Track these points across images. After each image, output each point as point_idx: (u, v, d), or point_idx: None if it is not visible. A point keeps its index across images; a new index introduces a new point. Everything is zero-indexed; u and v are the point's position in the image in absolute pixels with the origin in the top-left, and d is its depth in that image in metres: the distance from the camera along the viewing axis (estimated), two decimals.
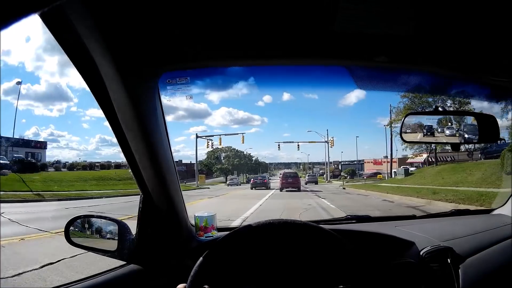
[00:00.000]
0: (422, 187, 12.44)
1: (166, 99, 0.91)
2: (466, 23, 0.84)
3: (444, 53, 0.95)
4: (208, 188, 21.58)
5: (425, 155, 21.91)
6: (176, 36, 0.83)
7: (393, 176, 22.51)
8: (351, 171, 31.49)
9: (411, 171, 20.73)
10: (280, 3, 0.74)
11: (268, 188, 18.57)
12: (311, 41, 0.84)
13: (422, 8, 0.78)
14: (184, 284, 0.85)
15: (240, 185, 25.46)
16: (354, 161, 36.26)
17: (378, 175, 25.87)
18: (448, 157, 20.28)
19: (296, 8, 0.75)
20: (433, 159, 20.42)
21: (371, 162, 33.02)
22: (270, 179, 30.14)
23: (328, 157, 29.92)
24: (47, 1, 0.28)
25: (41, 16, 0.63)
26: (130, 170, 1.01)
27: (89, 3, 0.63)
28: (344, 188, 17.27)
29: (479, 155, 17.71)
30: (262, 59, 0.90)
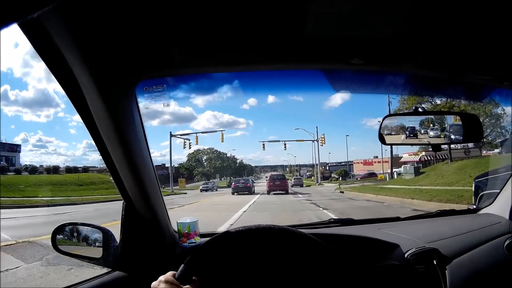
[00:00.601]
0: (457, 189, 9.76)
1: (144, 107, 0.92)
2: (444, 22, 0.84)
3: (422, 54, 0.95)
4: (185, 193, 19.60)
5: (422, 153, 21.30)
6: (152, 45, 0.83)
7: (394, 176, 21.11)
8: (343, 172, 29.80)
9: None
10: (254, 10, 0.74)
11: (251, 193, 16.64)
12: (285, 46, 0.84)
13: (396, 9, 0.78)
14: (174, 272, 0.86)
15: (216, 190, 23.04)
16: (341, 162, 35.46)
17: (378, 176, 24.30)
18: (442, 156, 19.20)
19: (269, 14, 0.76)
20: (428, 158, 19.89)
21: (361, 162, 32.22)
22: (255, 182, 28.45)
23: (318, 157, 28.85)
24: (24, 12, 0.29)
25: (20, 27, 0.64)
26: (111, 178, 1.02)
27: (66, 14, 0.63)
28: (342, 192, 15.18)
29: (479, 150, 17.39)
30: (240, 65, 0.90)
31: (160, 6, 0.72)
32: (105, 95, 0.82)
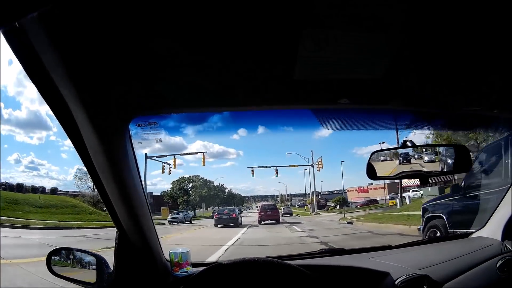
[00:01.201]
0: None
1: (137, 142, 0.94)
2: (429, 62, 0.86)
3: (408, 91, 0.97)
4: (164, 224, 17.79)
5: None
6: (146, 85, 0.86)
7: (407, 201, 18.49)
8: (341, 199, 27.33)
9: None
10: (244, 54, 0.77)
11: (238, 225, 14.17)
12: (276, 89, 0.87)
13: (381, 53, 0.81)
14: None
15: (190, 221, 19.60)
16: (334, 191, 33.57)
17: (390, 202, 21.25)
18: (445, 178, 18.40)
19: (259, 59, 0.78)
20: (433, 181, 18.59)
21: (355, 190, 30.52)
22: (244, 212, 26.98)
23: (314, 184, 26.44)
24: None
25: (20, 60, 0.66)
26: (105, 208, 1.04)
27: (62, 53, 0.66)
28: (351, 223, 12.72)
29: None
30: (230, 106, 0.93)
31: (154, 53, 0.74)
32: (100, 131, 0.84)
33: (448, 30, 0.75)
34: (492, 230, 1.49)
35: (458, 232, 3.71)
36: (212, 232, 12.51)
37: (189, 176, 30.84)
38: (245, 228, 12.99)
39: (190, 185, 30.63)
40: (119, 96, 0.85)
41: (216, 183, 35.09)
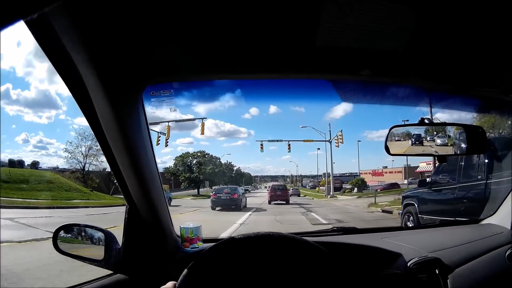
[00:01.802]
0: None
1: (151, 111, 0.91)
2: (451, 36, 0.84)
3: (429, 67, 0.95)
4: None
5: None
6: (160, 50, 0.83)
7: None
8: (359, 181, 23.62)
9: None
10: (263, 18, 0.74)
11: (240, 208, 12.26)
12: (295, 55, 0.84)
13: (405, 23, 0.78)
14: (174, 282, 0.85)
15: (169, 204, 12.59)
16: (346, 173, 31.45)
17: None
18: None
19: (279, 22, 0.75)
20: None
21: (369, 173, 28.50)
22: (251, 192, 26.48)
23: (332, 161, 22.65)
24: (31, 9, 0.28)
25: (29, 26, 0.64)
26: (116, 181, 1.02)
27: (75, 16, 0.63)
28: (390, 212, 9.66)
29: None
30: (247, 73, 0.90)
31: (169, 14, 0.72)
32: (112, 98, 0.82)
33: (471, 6, 0.73)
34: (502, 218, 1.49)
35: (424, 217, 4.89)
36: (198, 218, 9.85)
37: (194, 152, 28.30)
38: (248, 214, 10.37)
39: (194, 161, 27.58)
40: (132, 63, 0.83)
41: (223, 161, 32.84)
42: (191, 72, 0.89)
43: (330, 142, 21.12)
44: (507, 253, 1.22)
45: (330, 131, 21.40)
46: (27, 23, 0.62)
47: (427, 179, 5.59)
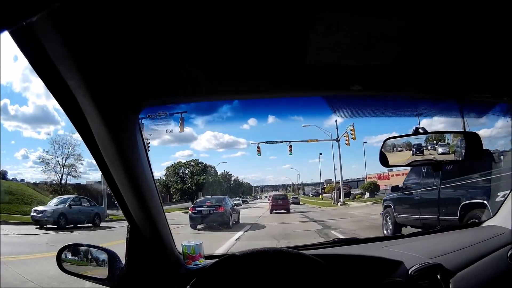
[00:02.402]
0: None
1: (148, 133, 0.93)
2: (440, 46, 0.85)
3: (420, 78, 0.96)
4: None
5: None
6: (156, 74, 0.85)
7: None
8: (372, 185, 20.58)
9: None
10: (254, 40, 0.76)
11: (231, 225, 9.32)
12: (286, 75, 0.86)
13: (393, 38, 0.80)
14: None
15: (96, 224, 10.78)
16: (348, 179, 27.26)
17: None
18: None
19: (269, 45, 0.77)
20: None
21: (374, 177, 25.71)
22: (250, 203, 24.87)
23: (340, 164, 20.43)
24: (14, 18, 0.29)
25: (23, 52, 0.65)
26: (116, 202, 1.03)
27: (68, 41, 0.65)
28: None
29: None
30: (242, 93, 0.92)
31: (164, 38, 0.73)
32: (109, 122, 0.84)
33: (459, 17, 0.74)
34: (503, 219, 1.49)
35: (399, 216, 6.03)
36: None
37: (186, 161, 26.05)
38: (241, 232, 7.99)
39: (187, 171, 25.06)
40: (128, 87, 0.84)
41: (220, 170, 31.25)
42: (187, 94, 0.90)
43: (338, 141, 17.98)
44: (510, 253, 1.22)
45: (337, 129, 18.37)
46: (22, 50, 0.63)
47: (399, 185, 6.70)
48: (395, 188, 6.90)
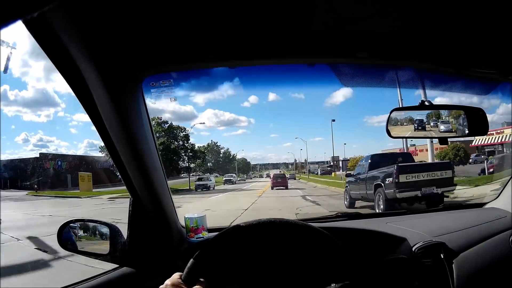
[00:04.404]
0: None
1: (151, 102, 0.92)
2: (450, 17, 0.84)
3: (428, 49, 0.95)
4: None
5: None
6: (157, 40, 0.83)
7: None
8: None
9: None
10: (260, 2, 0.74)
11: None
12: (292, 39, 0.84)
13: (403, 3, 0.78)
14: (180, 273, 0.85)
15: None
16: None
17: None
18: None
19: (276, 6, 0.76)
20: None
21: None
22: (246, 181, 22.35)
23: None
24: (31, 8, 0.28)
25: (25, 23, 0.64)
26: (119, 174, 1.02)
27: (70, 10, 0.63)
28: None
29: None
30: (245, 59, 0.90)
31: (166, 2, 0.72)
32: (112, 91, 0.82)
33: None
34: (505, 201, 1.49)
35: (352, 193, 8.56)
36: None
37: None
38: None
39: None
40: (130, 53, 0.83)
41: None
42: (190, 60, 0.89)
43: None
44: (511, 238, 1.22)
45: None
46: (24, 21, 0.62)
47: (351, 173, 9.37)
48: (348, 175, 9.54)
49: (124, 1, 0.69)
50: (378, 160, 8.20)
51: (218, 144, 27.89)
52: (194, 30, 0.80)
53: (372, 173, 7.65)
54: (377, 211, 6.60)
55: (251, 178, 29.79)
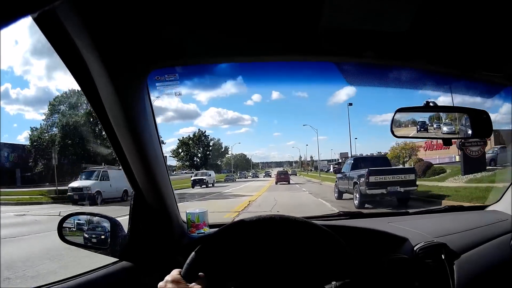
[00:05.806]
0: None
1: (155, 96, 0.91)
2: (457, 18, 0.84)
3: (434, 50, 0.95)
4: None
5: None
6: (164, 34, 0.83)
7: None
8: (425, 166, 14.49)
9: None
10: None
11: None
12: (298, 37, 0.84)
13: (411, 5, 0.78)
14: (179, 270, 0.85)
15: None
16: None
17: None
18: None
19: (284, 4, 0.75)
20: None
21: (421, 147, 21.52)
22: (236, 181, 22.13)
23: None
24: (41, 3, 0.28)
25: (33, 18, 0.64)
26: (121, 168, 1.02)
27: (79, 3, 0.63)
28: None
29: None
30: (250, 56, 0.90)
31: None
32: (117, 83, 0.82)
33: None
34: (507, 204, 1.49)
35: (340, 187, 10.76)
36: None
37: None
38: None
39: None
40: (136, 46, 0.83)
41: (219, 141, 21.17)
42: (196, 55, 0.89)
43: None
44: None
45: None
46: (33, 16, 0.62)
47: (340, 168, 11.67)
48: (337, 171, 11.95)
49: None
50: (359, 162, 10.56)
51: (206, 134, 23.80)
52: (202, 24, 0.80)
53: (352, 172, 9.65)
54: (355, 202, 8.88)
55: (245, 177, 26.30)
